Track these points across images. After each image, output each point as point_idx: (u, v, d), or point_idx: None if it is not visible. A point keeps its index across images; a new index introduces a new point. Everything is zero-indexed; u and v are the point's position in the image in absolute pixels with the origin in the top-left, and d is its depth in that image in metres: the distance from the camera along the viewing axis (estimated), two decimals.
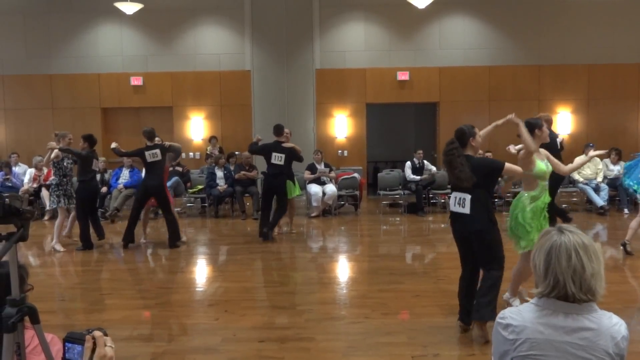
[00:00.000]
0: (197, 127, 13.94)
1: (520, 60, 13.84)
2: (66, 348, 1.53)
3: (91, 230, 8.42)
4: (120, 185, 11.29)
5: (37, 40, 13.94)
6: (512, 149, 9.13)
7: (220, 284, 6.46)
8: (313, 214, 11.04)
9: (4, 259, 1.80)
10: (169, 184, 11.06)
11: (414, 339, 4.50)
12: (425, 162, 11.86)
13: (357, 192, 11.77)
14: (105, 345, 1.52)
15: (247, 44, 13.84)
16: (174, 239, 8.43)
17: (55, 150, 8.10)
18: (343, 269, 7.37)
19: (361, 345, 4.42)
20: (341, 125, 13.96)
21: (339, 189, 11.44)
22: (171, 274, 7.16)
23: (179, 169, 11.85)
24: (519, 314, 1.99)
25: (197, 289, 6.41)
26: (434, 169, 11.99)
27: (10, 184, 11.48)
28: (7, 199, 1.72)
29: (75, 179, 8.68)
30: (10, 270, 1.78)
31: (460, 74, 13.83)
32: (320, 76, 13.84)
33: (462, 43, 13.88)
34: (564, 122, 13.98)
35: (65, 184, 8.34)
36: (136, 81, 13.86)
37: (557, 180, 8.94)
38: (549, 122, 8.86)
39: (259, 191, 11.61)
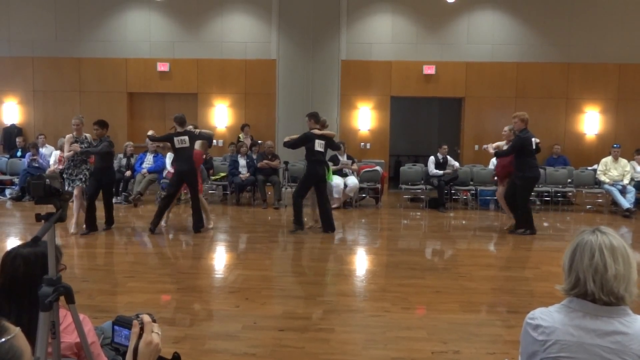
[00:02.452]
0: (221, 115, 14.01)
1: (549, 57, 13.63)
2: (114, 331, 1.52)
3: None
4: (144, 170, 11.41)
5: (67, 24, 14.11)
6: (490, 148, 8.99)
7: (240, 271, 6.50)
8: (334, 206, 11.02)
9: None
10: None
11: (434, 334, 4.49)
12: (448, 157, 11.78)
13: (379, 185, 11.74)
14: (153, 332, 1.50)
15: (273, 33, 13.84)
16: (198, 225, 8.52)
17: (71, 148, 8.19)
18: (363, 262, 7.37)
19: (381, 338, 4.42)
20: (365, 118, 13.91)
21: (360, 181, 11.42)
22: (192, 259, 7.24)
23: (203, 156, 11.91)
24: (549, 315, 1.98)
25: (217, 276, 6.47)
26: (457, 164, 11.91)
27: (37, 165, 11.67)
28: (47, 180, 1.75)
29: (89, 165, 8.59)
30: (48, 250, 1.82)
31: (488, 69, 13.67)
32: (346, 67, 13.79)
33: (491, 38, 13.71)
34: (592, 121, 13.76)
35: (70, 168, 8.36)
36: (163, 67, 13.96)
37: (528, 180, 8.71)
38: (525, 122, 8.73)
39: (280, 180, 11.67)
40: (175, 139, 8.38)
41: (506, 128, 9.00)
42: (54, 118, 14.04)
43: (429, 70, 13.71)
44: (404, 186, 11.76)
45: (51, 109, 14.15)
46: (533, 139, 8.63)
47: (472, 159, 13.50)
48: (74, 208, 8.33)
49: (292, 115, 13.68)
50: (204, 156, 10.17)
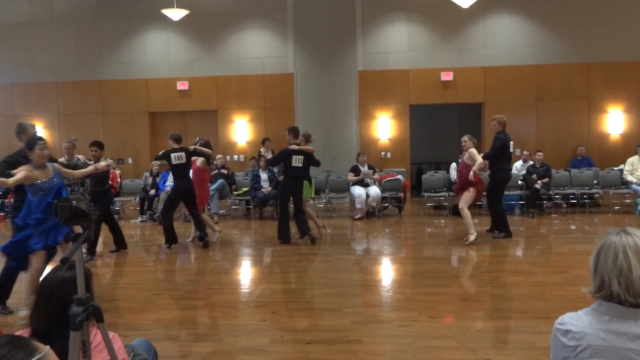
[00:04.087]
0: (241, 130, 14.14)
1: (568, 58, 13.50)
2: None
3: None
4: (168, 188, 11.52)
5: (88, 48, 14.42)
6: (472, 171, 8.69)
7: (266, 285, 6.52)
8: (357, 216, 11.02)
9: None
10: (214, 186, 11.28)
11: (464, 343, 4.43)
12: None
13: (401, 194, 11.69)
14: None
15: (290, 47, 13.96)
16: (204, 240, 8.63)
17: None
18: (388, 272, 7.33)
19: (409, 348, 4.38)
20: (384, 127, 13.90)
21: (382, 190, 11.39)
22: (217, 275, 7.27)
23: (224, 171, 12.03)
24: (578, 320, 1.94)
25: (243, 290, 6.49)
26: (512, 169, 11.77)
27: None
28: (74, 202, 1.78)
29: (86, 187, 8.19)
30: (77, 270, 1.85)
31: (506, 73, 13.58)
32: (363, 78, 13.82)
33: (508, 42, 13.63)
34: (616, 121, 13.55)
35: (71, 192, 7.98)
36: (182, 86, 14.16)
37: (499, 181, 8.70)
38: (503, 124, 8.72)
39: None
40: (172, 155, 8.56)
41: (465, 137, 8.89)
42: (79, 140, 14.12)
43: (447, 76, 13.66)
44: (426, 194, 11.69)
45: (75, 132, 14.38)
46: (511, 142, 8.83)
47: None
48: None
49: (312, 127, 13.67)
50: (216, 171, 10.29)
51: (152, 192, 11.83)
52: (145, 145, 14.30)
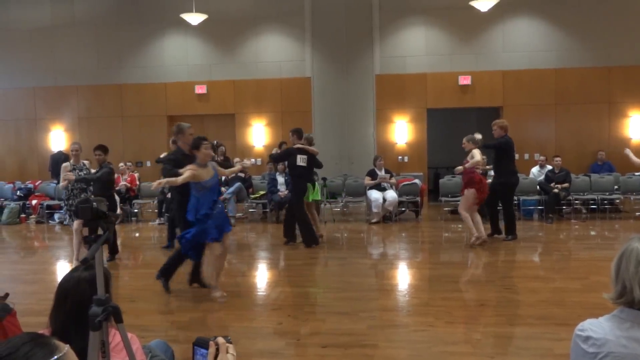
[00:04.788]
0: (258, 134, 14.20)
1: (588, 61, 13.35)
2: (194, 350, 1.62)
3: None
4: None
5: (108, 52, 14.61)
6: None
7: (282, 288, 6.53)
8: (373, 220, 11.00)
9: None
10: (231, 189, 11.34)
11: (481, 349, 4.39)
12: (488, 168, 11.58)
13: (418, 199, 11.64)
14: (227, 352, 1.58)
15: (307, 51, 13.99)
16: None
17: (67, 177, 7.82)
18: (404, 276, 7.29)
19: (426, 354, 4.36)
20: (401, 131, 13.87)
21: (399, 195, 11.35)
22: (234, 277, 7.29)
23: (241, 175, 12.07)
24: (599, 326, 1.92)
25: (260, 293, 6.51)
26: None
27: None
28: (94, 203, 1.81)
29: (90, 194, 8.13)
30: (97, 271, 1.87)
31: (525, 77, 13.47)
32: (380, 82, 13.81)
33: (527, 45, 13.53)
34: (637, 125, 13.37)
35: (69, 199, 7.99)
36: (200, 89, 14.27)
37: (510, 186, 8.66)
38: (504, 129, 8.62)
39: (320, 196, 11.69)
40: None
41: (464, 140, 8.83)
42: (98, 143, 14.45)
43: (465, 80, 13.59)
44: (444, 198, 11.62)
45: (95, 135, 14.58)
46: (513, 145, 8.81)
47: None
48: (74, 244, 7.89)
49: (328, 131, 13.76)
50: (232, 175, 10.40)
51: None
52: (164, 149, 14.37)
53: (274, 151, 13.00)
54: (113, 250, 8.13)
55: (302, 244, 8.80)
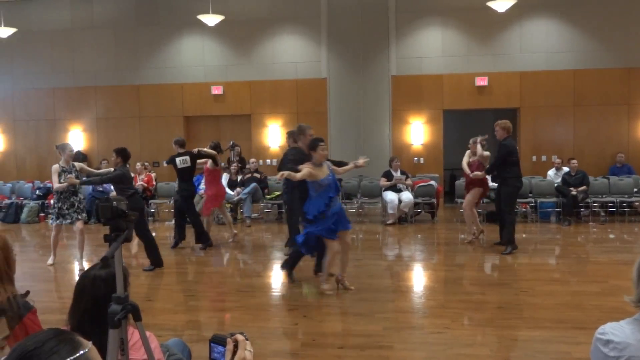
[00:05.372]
0: (274, 135, 14.23)
1: (607, 62, 13.18)
2: (211, 347, 1.61)
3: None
4: (202, 191, 11.66)
5: (126, 53, 14.74)
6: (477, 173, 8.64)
7: (298, 289, 6.53)
8: (389, 222, 10.97)
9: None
10: (247, 190, 11.40)
11: (498, 352, 4.36)
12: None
13: (434, 200, 11.59)
14: (246, 349, 1.57)
15: (323, 52, 14.00)
16: (202, 240, 8.90)
17: (71, 182, 7.63)
18: (420, 278, 7.26)
19: (441, 356, 4.34)
20: (417, 132, 13.81)
21: (415, 196, 11.30)
22: (249, 278, 7.32)
23: (257, 175, 12.12)
24: (620, 330, 1.89)
25: (275, 294, 6.52)
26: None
27: (101, 189, 12.14)
28: (114, 202, 1.83)
29: (80, 196, 8.12)
30: (116, 269, 1.89)
31: (543, 78, 13.35)
32: (396, 83, 13.77)
33: (545, 46, 13.40)
34: None
35: (59, 201, 7.76)
36: (217, 90, 14.35)
37: (513, 189, 8.25)
38: (507, 130, 8.33)
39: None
40: (177, 159, 8.82)
41: (472, 140, 8.71)
42: (116, 144, 14.44)
43: (482, 81, 13.50)
44: (459, 200, 11.54)
45: (113, 135, 14.74)
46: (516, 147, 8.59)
47: (530, 171, 13.14)
48: (78, 244, 7.87)
49: (344, 132, 13.75)
50: (248, 175, 10.50)
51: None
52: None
53: None
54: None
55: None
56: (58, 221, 7.78)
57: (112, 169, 7.94)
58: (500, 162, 8.27)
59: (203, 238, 8.92)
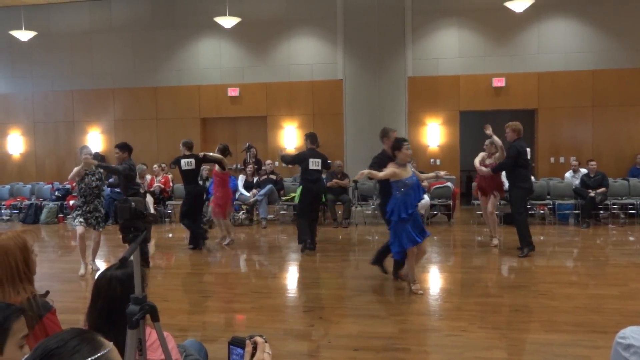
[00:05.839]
0: (290, 136, 14.25)
1: (627, 63, 13.00)
2: (230, 349, 1.61)
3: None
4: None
5: (144, 56, 14.88)
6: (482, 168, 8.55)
7: (313, 290, 6.54)
8: None
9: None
10: (262, 191, 11.43)
11: (515, 355, 4.32)
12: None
13: (450, 202, 11.52)
14: (264, 352, 1.57)
15: (339, 54, 14.00)
16: (194, 242, 8.99)
17: (88, 162, 7.49)
18: (436, 280, 7.22)
19: (458, 359, 4.31)
20: (434, 134, 13.74)
21: (431, 198, 11.25)
22: (265, 279, 7.35)
23: (273, 177, 12.15)
24: None
25: (291, 295, 6.53)
26: (532, 178, 11.49)
27: (118, 190, 12.25)
28: (133, 203, 1.84)
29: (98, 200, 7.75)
30: (134, 270, 1.90)
31: (561, 79, 13.20)
32: (413, 84, 13.72)
33: (563, 46, 13.25)
34: None
35: (84, 204, 7.53)
36: (233, 92, 14.41)
37: (523, 192, 8.19)
38: (517, 132, 8.20)
39: (350, 199, 11.68)
40: (183, 161, 8.92)
41: (487, 142, 8.61)
42: (133, 145, 14.48)
43: (499, 82, 13.40)
44: (476, 202, 11.45)
45: (130, 137, 14.83)
46: (527, 150, 8.47)
47: (548, 172, 13.02)
48: (92, 251, 7.71)
49: (360, 134, 13.72)
50: (257, 178, 10.57)
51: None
52: (197, 150, 14.49)
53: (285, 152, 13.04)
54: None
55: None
56: (81, 220, 7.42)
57: (119, 164, 7.87)
58: (509, 163, 8.23)
59: (194, 241, 9.00)
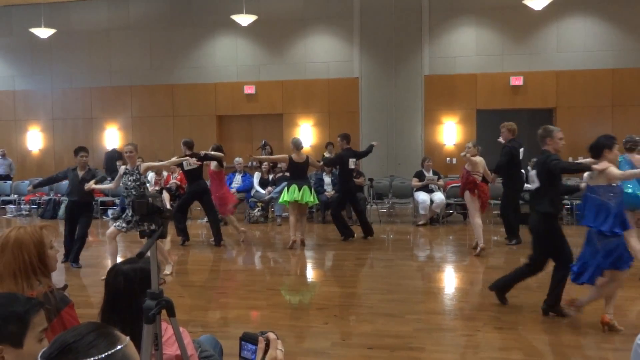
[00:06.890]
0: (306, 134, 14.25)
1: None
2: (241, 346, 1.60)
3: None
4: (233, 190, 11.78)
5: (161, 53, 14.97)
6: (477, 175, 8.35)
7: (328, 288, 6.54)
8: (420, 222, 10.88)
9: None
10: (277, 189, 11.43)
11: (532, 356, 4.28)
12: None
13: None
14: (277, 349, 1.57)
15: (355, 52, 13.96)
16: (218, 239, 9.06)
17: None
18: (451, 279, 7.18)
19: (473, 358, 4.28)
20: (450, 132, 13.66)
21: (447, 197, 11.18)
22: (279, 276, 7.36)
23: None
24: None
25: (305, 292, 6.53)
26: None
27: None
28: (150, 199, 1.85)
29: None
30: (151, 265, 1.91)
31: (580, 77, 13.04)
32: (429, 82, 13.64)
33: (582, 45, 13.09)
34: None
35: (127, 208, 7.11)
36: (249, 90, 14.45)
37: (515, 191, 8.57)
38: (512, 132, 8.26)
39: (366, 197, 11.66)
40: (184, 162, 8.93)
41: (469, 144, 8.49)
42: (150, 142, 14.85)
43: (517, 81, 13.27)
44: (492, 201, 11.36)
45: (147, 134, 14.99)
46: (521, 150, 8.57)
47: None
48: (111, 251, 7.08)
49: (376, 132, 13.68)
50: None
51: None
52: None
53: (325, 155, 13.04)
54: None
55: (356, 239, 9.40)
56: (123, 226, 6.76)
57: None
58: (505, 163, 8.37)
59: (217, 238, 9.12)
